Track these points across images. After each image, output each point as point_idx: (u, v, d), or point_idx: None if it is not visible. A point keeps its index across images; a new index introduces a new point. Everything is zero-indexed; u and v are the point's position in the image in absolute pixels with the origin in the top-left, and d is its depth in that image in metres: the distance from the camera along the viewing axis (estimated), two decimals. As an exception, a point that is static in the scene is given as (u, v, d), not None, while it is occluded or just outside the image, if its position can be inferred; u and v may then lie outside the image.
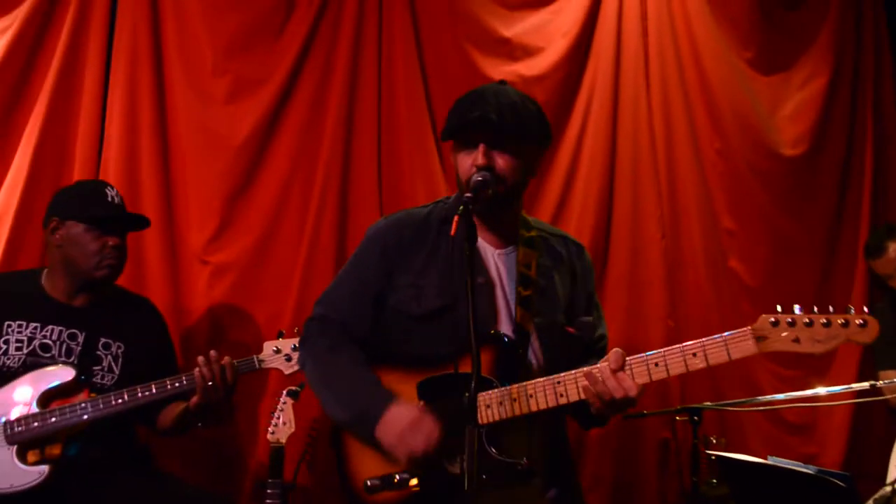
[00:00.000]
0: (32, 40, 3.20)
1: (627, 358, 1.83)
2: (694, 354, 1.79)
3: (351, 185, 3.40)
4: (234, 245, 3.29)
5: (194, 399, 2.47)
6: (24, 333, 2.51)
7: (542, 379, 1.90)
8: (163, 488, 2.50)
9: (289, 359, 2.60)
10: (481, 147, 1.98)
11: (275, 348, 2.61)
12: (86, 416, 2.39)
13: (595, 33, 3.66)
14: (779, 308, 1.74)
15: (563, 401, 1.86)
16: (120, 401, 2.42)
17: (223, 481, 3.14)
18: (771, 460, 2.56)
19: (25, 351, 2.48)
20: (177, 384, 2.46)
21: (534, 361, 2.04)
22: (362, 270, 2.14)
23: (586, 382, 1.84)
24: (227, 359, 2.48)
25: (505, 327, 2.03)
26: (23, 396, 2.41)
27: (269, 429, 2.77)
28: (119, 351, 2.59)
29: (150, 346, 2.69)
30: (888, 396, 3.16)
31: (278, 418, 2.77)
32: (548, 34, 3.63)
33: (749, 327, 1.76)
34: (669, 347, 1.82)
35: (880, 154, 3.88)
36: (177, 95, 3.32)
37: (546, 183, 3.53)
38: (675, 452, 3.43)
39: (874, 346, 3.20)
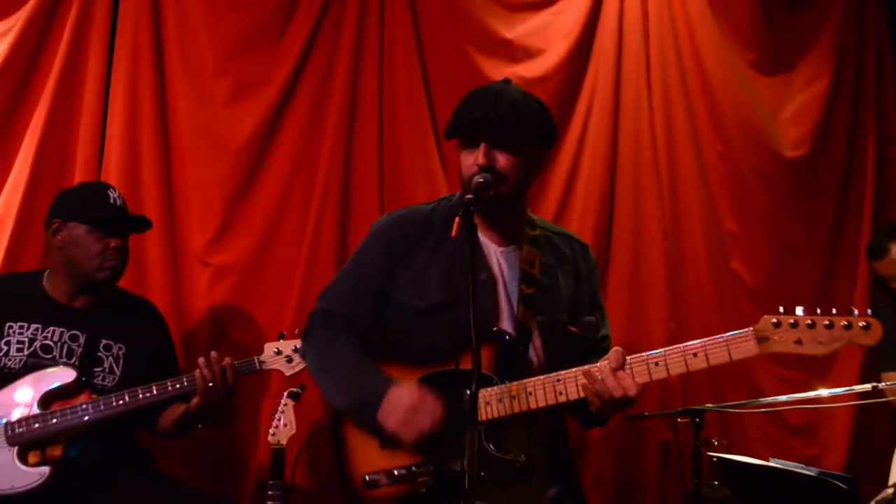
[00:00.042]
0: (34, 43, 3.21)
1: (628, 357, 1.82)
2: (695, 354, 1.78)
3: (352, 187, 3.40)
4: (235, 246, 3.29)
5: (195, 400, 2.47)
6: (25, 335, 2.51)
7: (541, 377, 1.90)
8: (163, 490, 2.50)
9: (289, 360, 2.60)
10: (482, 147, 1.99)
11: (275, 349, 2.61)
12: (87, 418, 2.40)
13: (596, 35, 3.66)
14: (781, 309, 1.73)
15: (562, 399, 1.86)
16: (121, 402, 2.42)
17: (224, 483, 3.14)
18: (772, 462, 2.56)
19: (26, 352, 2.49)
20: (177, 385, 2.46)
21: (534, 359, 2.04)
22: (365, 266, 2.15)
23: (586, 381, 1.84)
24: (227, 360, 2.47)
25: (506, 324, 2.04)
26: (24, 398, 2.41)
27: (270, 430, 2.77)
28: (120, 352, 2.59)
29: (151, 347, 2.69)
30: (890, 398, 3.15)
31: (279, 420, 2.77)
32: (549, 36, 3.63)
33: (751, 328, 1.75)
34: (670, 347, 1.81)
35: (882, 155, 3.87)
36: (178, 97, 3.32)
37: (547, 184, 3.53)
38: (676, 454, 3.43)
39: (877, 348, 3.19)
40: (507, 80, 2.11)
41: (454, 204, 2.15)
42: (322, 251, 3.30)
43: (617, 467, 3.40)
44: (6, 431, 2.39)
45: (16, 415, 2.40)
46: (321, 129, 3.39)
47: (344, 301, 2.15)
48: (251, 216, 3.32)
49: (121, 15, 3.30)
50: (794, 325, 1.72)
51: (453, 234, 1.73)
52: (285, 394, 2.81)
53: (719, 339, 1.77)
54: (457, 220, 1.74)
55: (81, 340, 2.55)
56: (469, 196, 1.83)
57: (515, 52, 3.59)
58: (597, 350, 2.12)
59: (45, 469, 2.35)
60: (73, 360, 2.51)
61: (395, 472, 1.92)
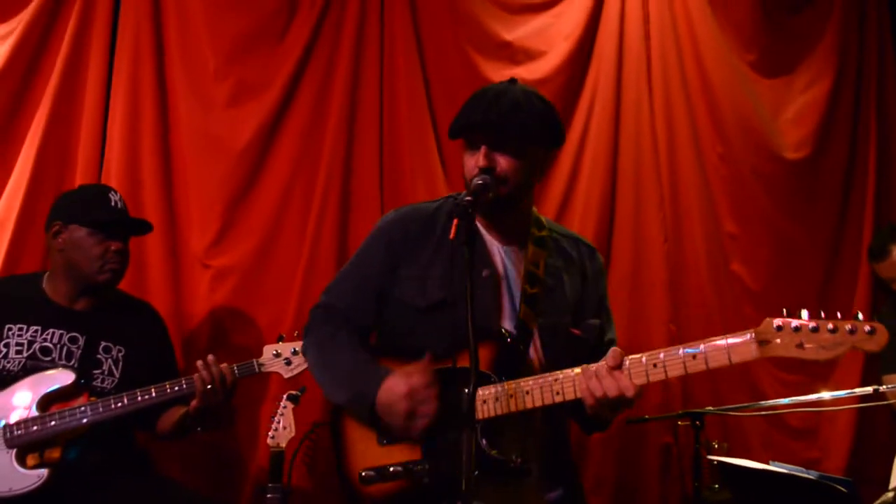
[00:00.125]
0: (35, 45, 3.21)
1: (626, 358, 1.80)
2: (694, 357, 1.74)
3: (352, 189, 3.40)
4: (236, 249, 3.29)
5: (194, 403, 2.47)
6: (24, 337, 2.51)
7: (539, 376, 1.89)
8: (162, 492, 2.50)
9: (288, 362, 2.60)
10: (483, 149, 1.98)
11: (275, 352, 2.61)
12: (85, 420, 2.40)
13: (597, 37, 3.65)
14: (784, 312, 1.68)
15: (559, 399, 1.85)
16: (120, 404, 2.42)
17: (223, 485, 3.14)
18: (773, 465, 2.55)
19: (25, 354, 2.49)
20: (176, 388, 2.46)
21: (535, 360, 2.04)
22: (367, 263, 2.16)
23: (582, 380, 1.82)
24: (225, 364, 2.47)
25: (508, 323, 2.03)
26: (22, 400, 2.41)
27: (270, 433, 2.76)
28: (119, 354, 2.59)
29: (150, 349, 2.69)
30: (892, 401, 3.14)
31: (278, 422, 2.76)
32: (549, 37, 3.62)
33: (751, 330, 1.70)
34: (669, 349, 1.78)
35: (883, 157, 3.85)
36: (179, 99, 3.33)
37: (548, 186, 3.52)
38: (677, 457, 3.42)
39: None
40: (512, 81, 2.09)
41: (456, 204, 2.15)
42: (322, 253, 3.29)
43: (617, 470, 3.39)
44: (5, 434, 2.39)
45: (14, 417, 2.40)
46: (321, 131, 3.39)
47: (345, 298, 2.15)
48: (252, 218, 3.32)
49: (122, 17, 3.30)
50: (797, 329, 1.67)
51: (451, 235, 1.73)
52: (284, 396, 2.81)
53: (719, 342, 1.72)
54: (455, 221, 1.74)
55: (81, 343, 2.55)
56: (468, 198, 1.83)
57: (516, 53, 3.59)
58: (601, 353, 2.11)
59: (44, 471, 2.35)
60: (73, 362, 2.52)
61: (391, 469, 1.93)
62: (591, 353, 2.05)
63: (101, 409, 2.41)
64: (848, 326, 1.64)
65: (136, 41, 3.29)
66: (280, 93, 3.36)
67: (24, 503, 2.33)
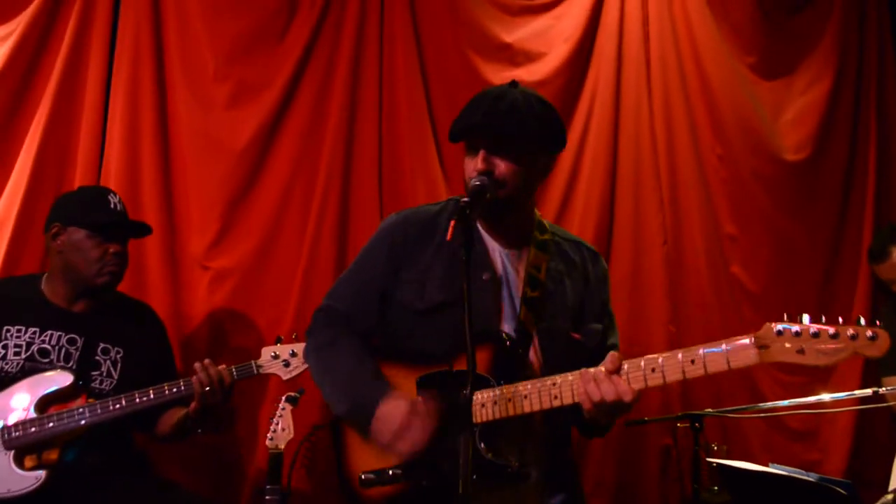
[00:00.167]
0: (34, 46, 3.22)
1: (624, 363, 1.79)
2: (692, 362, 1.71)
3: (352, 191, 3.40)
4: (235, 250, 3.29)
5: (193, 405, 2.47)
6: (22, 338, 2.51)
7: (537, 380, 1.88)
8: (160, 494, 2.51)
9: (287, 364, 2.60)
10: (481, 153, 1.98)
11: (273, 354, 2.61)
12: (83, 422, 2.40)
13: (596, 39, 3.65)
14: (786, 316, 1.65)
15: (556, 403, 1.83)
16: (118, 406, 2.42)
17: (222, 487, 3.14)
18: (772, 467, 2.55)
19: (24, 356, 2.49)
20: (175, 390, 2.46)
21: (535, 363, 2.03)
22: (369, 266, 2.16)
23: (580, 384, 1.81)
24: (223, 366, 2.47)
25: (508, 326, 2.02)
26: (20, 402, 2.41)
27: (268, 435, 2.76)
28: (118, 356, 2.59)
29: (149, 351, 2.69)
30: (891, 403, 3.14)
31: (277, 424, 2.76)
32: (549, 39, 3.62)
33: (751, 335, 1.67)
34: (667, 353, 1.76)
35: (883, 158, 3.85)
36: (178, 101, 3.33)
37: (547, 188, 3.52)
38: (676, 459, 3.41)
39: (879, 353, 3.17)
40: (513, 84, 2.08)
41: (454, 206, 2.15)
42: (322, 255, 3.29)
43: (617, 472, 3.38)
44: (3, 435, 2.39)
45: (12, 419, 2.40)
46: (321, 132, 3.39)
47: (347, 300, 2.15)
48: (251, 220, 3.32)
49: (121, 19, 3.31)
50: (798, 334, 1.63)
51: (448, 237, 1.72)
52: (283, 398, 2.80)
53: (718, 348, 1.70)
54: (452, 223, 1.73)
55: (79, 344, 2.55)
56: (465, 200, 1.83)
57: (516, 55, 3.59)
58: (603, 358, 2.08)
59: (42, 473, 2.36)
60: (71, 363, 2.51)
61: (391, 472, 1.92)
62: (591, 357, 2.03)
63: (99, 411, 2.41)
64: (850, 332, 1.61)
65: (135, 42, 3.29)
66: (279, 94, 3.36)
67: (22, 505, 2.33)
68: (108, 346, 2.58)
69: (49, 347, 2.51)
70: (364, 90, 3.44)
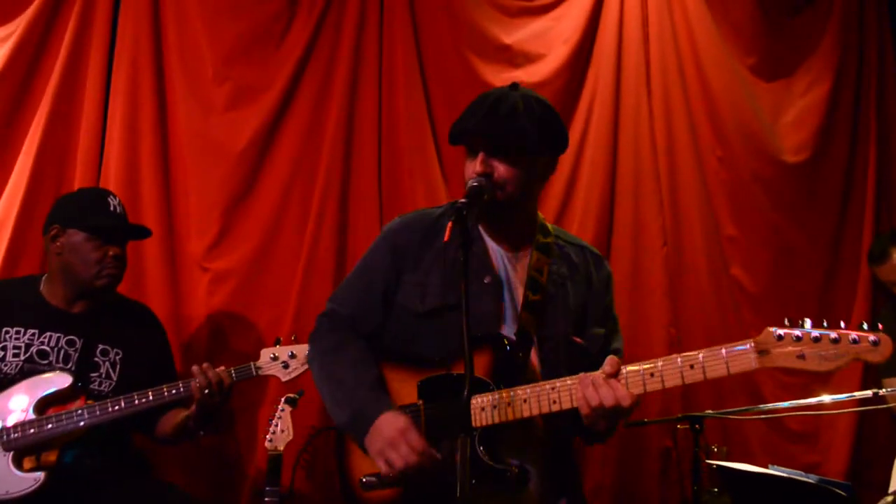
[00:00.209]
0: (34, 48, 3.22)
1: (623, 367, 1.78)
2: (692, 367, 1.70)
3: (351, 192, 3.40)
4: (234, 252, 3.29)
5: (192, 407, 2.47)
6: (21, 340, 2.51)
7: (536, 384, 1.87)
8: (159, 496, 2.50)
9: (286, 366, 2.60)
10: (480, 155, 1.98)
11: (272, 355, 2.61)
12: (82, 423, 2.40)
13: (596, 40, 3.65)
14: (787, 321, 1.64)
15: (555, 407, 1.82)
16: (117, 407, 2.42)
17: (222, 488, 3.13)
18: (772, 469, 2.54)
19: (23, 357, 2.49)
20: (174, 391, 2.46)
21: (535, 367, 2.02)
22: (372, 270, 2.15)
23: (579, 388, 1.80)
24: (221, 367, 2.47)
25: (509, 329, 2.01)
26: (19, 403, 2.41)
27: (267, 436, 2.75)
28: (117, 357, 2.59)
29: (148, 352, 2.69)
30: (892, 405, 3.13)
31: (276, 426, 2.75)
32: (549, 41, 3.62)
33: (751, 340, 1.66)
34: (666, 357, 1.74)
35: (883, 160, 3.84)
36: (177, 103, 3.33)
37: (547, 190, 3.51)
38: (676, 461, 3.41)
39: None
40: (514, 86, 2.07)
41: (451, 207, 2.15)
42: (321, 256, 3.29)
43: (617, 474, 3.38)
44: (1, 437, 2.39)
45: (11, 420, 2.40)
46: (320, 134, 3.39)
47: (351, 304, 2.15)
48: (250, 222, 3.32)
49: (121, 21, 3.31)
50: (799, 339, 1.62)
51: (445, 238, 1.72)
52: (282, 399, 2.80)
53: (718, 353, 1.68)
54: (449, 224, 1.73)
55: (78, 346, 2.54)
56: (462, 201, 1.82)
57: (515, 57, 3.59)
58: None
59: (40, 474, 2.35)
60: (70, 365, 2.51)
61: (390, 476, 1.92)
62: (593, 362, 2.01)
63: (98, 413, 2.41)
64: (851, 337, 1.58)
65: (135, 43, 3.29)
66: (279, 96, 3.37)
67: (20, 506, 2.33)
68: (107, 347, 2.58)
69: (48, 349, 2.51)
70: (363, 92, 3.44)
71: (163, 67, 3.34)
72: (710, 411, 3.01)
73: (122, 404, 2.42)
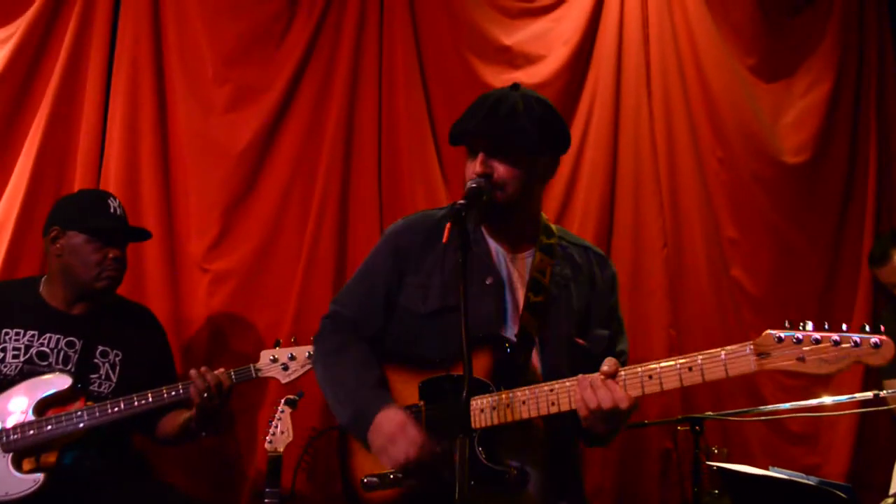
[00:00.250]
0: (34, 50, 3.22)
1: (622, 369, 1.77)
2: (690, 369, 1.69)
3: (351, 194, 3.40)
4: (234, 253, 3.29)
5: (193, 409, 2.47)
6: (21, 341, 2.51)
7: (535, 386, 1.86)
8: (159, 497, 2.50)
9: (285, 368, 2.59)
10: (480, 156, 1.98)
11: (272, 357, 2.60)
12: (82, 425, 2.40)
13: (596, 41, 3.65)
14: (787, 323, 1.62)
15: (553, 410, 1.82)
16: (116, 409, 2.42)
17: (222, 490, 3.13)
18: (772, 471, 2.54)
19: (22, 359, 2.49)
20: (173, 393, 2.46)
21: (536, 369, 2.01)
22: (373, 271, 2.16)
23: (577, 390, 1.79)
24: (221, 370, 2.47)
25: (510, 331, 2.01)
26: (18, 405, 2.41)
27: (267, 438, 2.75)
28: (117, 359, 2.59)
29: (148, 354, 2.69)
30: (893, 406, 3.13)
31: (276, 427, 2.75)
32: (549, 42, 3.62)
33: (750, 343, 1.64)
34: (665, 360, 1.74)
35: (884, 161, 3.84)
36: (178, 104, 3.33)
37: (547, 191, 3.46)
38: (676, 463, 3.40)
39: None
40: (515, 86, 2.07)
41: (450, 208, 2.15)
42: (321, 257, 3.29)
43: (617, 476, 3.38)
44: (1, 438, 2.39)
45: (10, 421, 2.40)
46: (320, 135, 3.39)
47: (353, 306, 2.16)
48: (250, 222, 3.32)
49: (121, 22, 3.31)
50: (798, 342, 1.59)
51: (444, 239, 1.72)
52: (282, 401, 2.80)
53: (717, 355, 1.67)
54: (447, 226, 1.73)
55: (78, 347, 2.54)
56: (461, 202, 1.82)
57: (515, 58, 3.59)
58: None
59: (40, 476, 2.36)
60: (70, 366, 2.51)
61: (391, 476, 1.93)
62: (596, 363, 2.00)
63: (97, 414, 2.41)
64: (853, 339, 1.56)
65: (135, 45, 3.30)
66: (279, 97, 3.37)
67: (20, 508, 2.32)
68: (106, 348, 2.58)
69: (48, 350, 2.51)
70: (363, 93, 3.44)
71: (163, 68, 3.34)
72: (710, 413, 3.00)
73: (122, 406, 2.42)
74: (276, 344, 2.65)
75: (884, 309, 3.60)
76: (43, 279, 2.65)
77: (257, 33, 3.40)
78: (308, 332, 2.88)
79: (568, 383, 1.82)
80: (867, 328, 1.58)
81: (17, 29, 3.21)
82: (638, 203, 3.56)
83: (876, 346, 1.55)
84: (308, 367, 2.59)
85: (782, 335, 1.61)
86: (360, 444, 2.00)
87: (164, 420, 2.62)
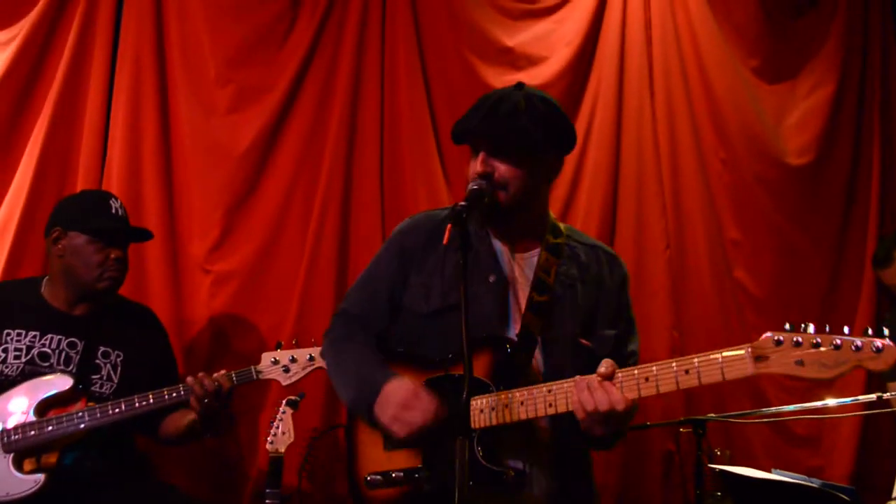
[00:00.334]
0: (37, 51, 3.23)
1: (619, 371, 1.75)
2: (686, 372, 1.66)
3: (353, 194, 3.40)
4: (236, 254, 3.29)
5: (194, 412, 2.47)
6: (23, 342, 2.51)
7: (534, 387, 1.85)
8: (160, 498, 2.49)
9: (286, 370, 2.59)
10: (481, 155, 1.97)
11: (273, 359, 2.60)
12: (83, 426, 2.40)
13: (599, 42, 3.65)
14: (787, 326, 1.58)
15: (551, 411, 1.80)
16: (117, 410, 2.42)
17: (223, 491, 3.14)
18: (775, 473, 2.54)
19: (24, 359, 2.49)
20: (174, 394, 2.45)
21: (537, 369, 1.99)
22: (379, 271, 2.17)
23: (574, 391, 1.78)
24: (220, 372, 2.48)
25: (512, 330, 2.00)
26: (19, 405, 2.41)
27: (269, 438, 2.75)
28: (118, 359, 2.59)
29: (150, 354, 2.69)
30: (896, 408, 3.12)
31: (277, 428, 2.75)
32: (551, 43, 3.62)
33: (748, 345, 1.59)
34: (662, 362, 1.71)
35: (887, 163, 3.82)
36: (180, 105, 3.34)
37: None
38: (679, 465, 3.39)
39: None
40: (518, 85, 2.05)
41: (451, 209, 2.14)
42: (323, 258, 3.29)
43: (619, 478, 3.37)
44: (2, 439, 2.39)
45: (12, 422, 2.40)
46: (322, 136, 3.39)
47: (360, 304, 2.17)
48: (252, 223, 3.33)
49: (123, 23, 3.32)
50: (798, 344, 1.54)
51: (444, 240, 1.71)
52: (284, 402, 2.79)
53: (714, 358, 1.63)
54: (448, 227, 1.73)
55: (79, 348, 2.54)
56: (461, 203, 1.81)
57: (517, 59, 3.59)
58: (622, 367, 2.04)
59: (41, 476, 2.36)
60: (71, 367, 2.51)
61: (393, 475, 1.93)
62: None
63: (98, 415, 2.41)
64: (854, 344, 1.51)
65: (137, 46, 3.30)
66: (281, 98, 3.37)
67: (21, 508, 2.32)
68: (108, 349, 2.58)
69: (49, 351, 2.51)
70: (366, 94, 3.44)
71: (165, 70, 3.35)
72: (712, 415, 2.99)
73: (123, 407, 2.42)
74: (278, 346, 2.65)
75: (887, 311, 3.58)
76: (45, 280, 2.65)
77: (260, 34, 3.41)
78: (310, 333, 2.89)
79: (566, 385, 1.80)
80: (870, 331, 1.53)
81: (20, 31, 3.22)
82: (640, 204, 3.56)
83: (878, 350, 1.50)
84: (309, 369, 2.59)
85: (781, 338, 1.57)
86: (367, 437, 2.00)
87: (168, 420, 2.62)
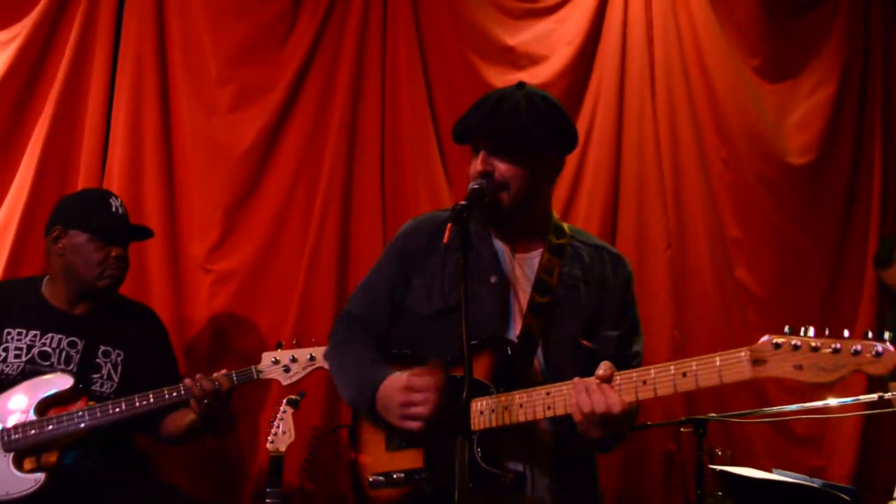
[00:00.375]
0: (38, 51, 3.23)
1: (617, 374, 1.74)
2: (684, 375, 1.64)
3: (354, 194, 3.40)
4: (237, 253, 3.30)
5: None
6: (23, 341, 2.51)
7: (532, 389, 1.84)
8: (160, 497, 2.50)
9: (287, 370, 2.59)
10: (482, 154, 1.97)
11: (273, 359, 2.60)
12: (83, 425, 2.40)
13: (600, 42, 3.65)
14: (786, 329, 1.56)
15: (549, 413, 1.79)
16: (117, 409, 2.42)
17: (224, 490, 3.14)
18: (776, 473, 2.53)
19: (24, 359, 2.49)
20: (175, 394, 2.46)
21: (538, 371, 1.98)
22: (381, 273, 2.17)
23: (572, 393, 1.76)
24: (222, 371, 2.48)
25: (513, 331, 1.99)
26: (19, 405, 2.42)
27: (269, 438, 2.75)
28: (119, 359, 2.59)
29: (150, 353, 2.69)
30: (898, 408, 3.11)
31: (278, 427, 2.75)
32: (552, 43, 3.62)
33: (746, 349, 1.57)
34: (660, 365, 1.69)
35: (889, 163, 3.82)
36: (181, 104, 3.34)
37: (549, 191, 3.51)
38: (679, 465, 3.38)
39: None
40: (519, 85, 2.04)
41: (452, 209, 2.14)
42: (324, 257, 3.29)
43: (620, 478, 3.36)
44: (2, 438, 2.40)
45: (12, 421, 2.41)
46: (323, 136, 3.39)
47: (362, 306, 2.18)
48: (253, 223, 3.33)
49: (125, 23, 3.32)
50: (797, 348, 1.52)
51: (444, 240, 1.71)
52: (284, 401, 2.80)
53: (711, 361, 1.62)
54: (448, 226, 1.72)
55: (80, 347, 2.54)
56: (462, 203, 1.81)
57: (518, 58, 3.58)
58: (623, 368, 2.00)
59: (41, 475, 2.36)
60: (71, 366, 2.51)
61: (395, 476, 1.93)
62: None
63: (98, 415, 2.41)
64: (853, 348, 1.48)
65: (139, 46, 3.30)
66: (282, 98, 3.37)
67: (21, 508, 2.33)
68: (108, 348, 2.58)
69: (49, 350, 2.51)
70: (366, 94, 3.44)
71: (166, 69, 3.35)
72: (713, 415, 2.98)
73: (123, 406, 2.42)
74: (279, 346, 2.65)
75: (888, 311, 3.58)
76: (45, 279, 2.65)
77: (261, 33, 3.41)
78: (310, 333, 2.89)
79: (565, 387, 1.79)
80: (870, 335, 1.51)
81: (21, 30, 3.22)
82: (642, 204, 3.55)
83: (877, 354, 1.47)
84: (310, 369, 2.59)
85: (780, 342, 1.55)
86: (370, 438, 2.00)
87: (169, 419, 2.62)
